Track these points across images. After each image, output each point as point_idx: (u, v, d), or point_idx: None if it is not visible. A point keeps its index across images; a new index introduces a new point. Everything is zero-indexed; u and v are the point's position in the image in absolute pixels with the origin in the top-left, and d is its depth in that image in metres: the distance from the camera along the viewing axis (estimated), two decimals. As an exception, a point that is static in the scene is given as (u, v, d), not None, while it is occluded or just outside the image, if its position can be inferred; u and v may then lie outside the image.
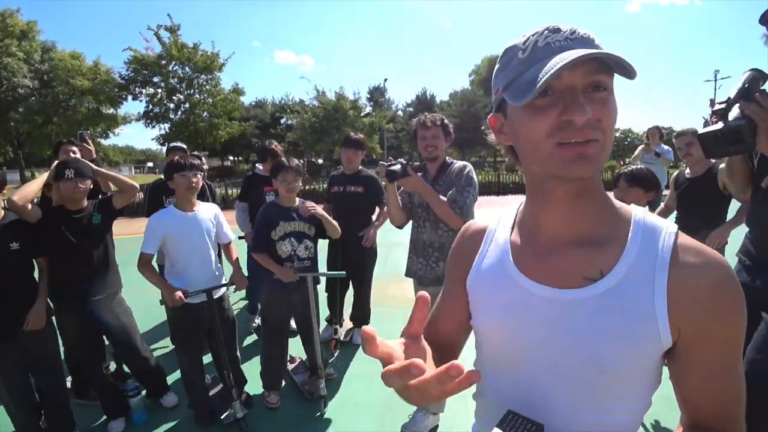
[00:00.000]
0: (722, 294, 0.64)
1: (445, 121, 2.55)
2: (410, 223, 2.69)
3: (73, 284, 2.58)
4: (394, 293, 5.39)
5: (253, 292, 4.14)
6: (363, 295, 4.03)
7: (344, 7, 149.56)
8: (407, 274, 2.74)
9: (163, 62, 22.48)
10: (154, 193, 3.58)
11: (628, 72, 0.62)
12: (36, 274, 2.57)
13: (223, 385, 2.84)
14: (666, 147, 6.86)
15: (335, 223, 2.91)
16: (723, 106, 1.53)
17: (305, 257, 2.86)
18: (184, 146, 3.91)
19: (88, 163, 2.73)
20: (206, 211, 2.75)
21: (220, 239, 2.79)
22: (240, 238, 3.92)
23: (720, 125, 1.50)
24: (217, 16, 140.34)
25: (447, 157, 2.57)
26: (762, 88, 1.49)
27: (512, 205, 0.87)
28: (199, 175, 2.64)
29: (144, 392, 3.00)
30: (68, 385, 3.11)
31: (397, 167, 2.24)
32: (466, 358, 0.74)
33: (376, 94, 43.87)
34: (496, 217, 0.88)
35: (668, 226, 0.70)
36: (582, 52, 0.59)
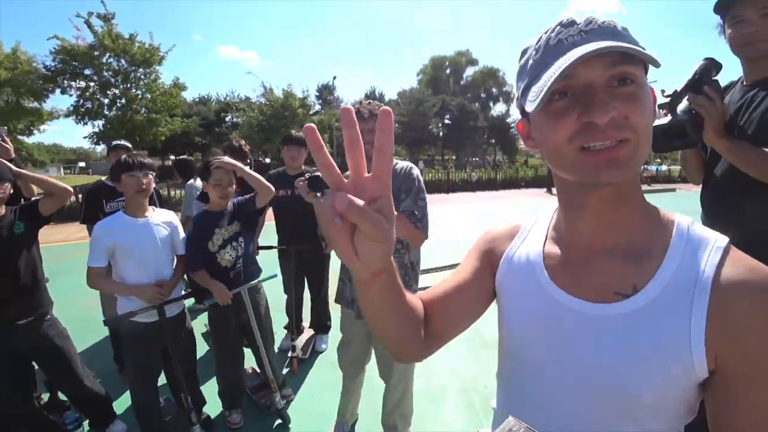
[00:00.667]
0: None
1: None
2: None
3: None
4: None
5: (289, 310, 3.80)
6: (320, 299, 3.91)
7: (291, 3, 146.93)
8: (337, 301, 2.33)
9: (96, 53, 20.88)
10: (92, 196, 3.22)
11: (653, 60, 0.57)
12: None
13: (180, 408, 2.61)
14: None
15: (258, 176, 2.62)
16: (668, 100, 1.48)
17: (241, 254, 2.62)
18: (129, 144, 3.56)
19: (6, 163, 2.35)
20: (160, 216, 2.47)
21: (176, 250, 2.52)
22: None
23: (666, 119, 1.45)
24: (154, 6, 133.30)
25: None
26: (714, 78, 1.46)
27: (548, 208, 0.81)
28: (150, 176, 2.36)
29: (86, 423, 2.69)
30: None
31: (320, 174, 1.94)
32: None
33: (325, 92, 43.41)
34: (532, 218, 0.84)
35: (717, 239, 0.62)
36: (592, 47, 0.54)
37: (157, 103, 22.37)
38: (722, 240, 0.62)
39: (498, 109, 58.22)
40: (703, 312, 0.57)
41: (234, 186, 2.59)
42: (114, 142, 3.58)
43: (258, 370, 3.06)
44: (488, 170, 25.10)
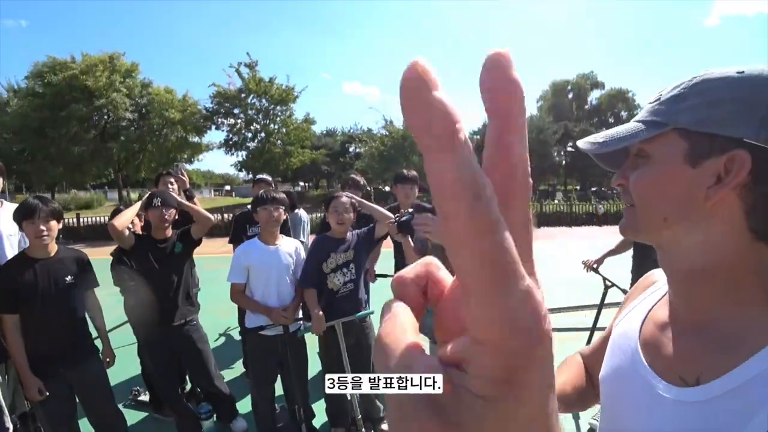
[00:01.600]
0: None
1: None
2: None
3: (154, 309, 2.71)
4: None
5: None
6: None
7: (410, 37, 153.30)
8: (423, 332, 2.47)
9: (243, 95, 24.30)
10: (238, 222, 3.80)
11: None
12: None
13: (292, 418, 2.90)
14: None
15: (375, 206, 2.88)
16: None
17: (348, 280, 2.79)
18: (269, 178, 4.07)
19: (171, 194, 2.92)
20: (287, 245, 2.83)
21: (298, 275, 2.83)
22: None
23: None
24: (290, 51, 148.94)
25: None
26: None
27: None
28: (281, 209, 2.72)
29: (215, 416, 3.14)
30: (146, 399, 3.36)
31: (409, 217, 2.11)
32: None
33: (442, 123, 43.92)
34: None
35: None
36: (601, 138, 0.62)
37: (291, 137, 25.10)
38: None
39: (630, 135, 53.46)
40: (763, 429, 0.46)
41: (352, 215, 2.77)
42: (258, 176, 4.14)
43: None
44: (616, 202, 22.63)
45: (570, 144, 49.08)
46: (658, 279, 0.76)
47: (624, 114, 53.21)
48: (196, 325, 2.93)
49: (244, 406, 3.27)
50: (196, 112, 25.75)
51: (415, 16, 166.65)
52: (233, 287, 2.73)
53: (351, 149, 41.88)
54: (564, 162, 50.52)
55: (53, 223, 2.32)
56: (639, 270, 3.11)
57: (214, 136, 56.75)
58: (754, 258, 0.54)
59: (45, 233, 2.27)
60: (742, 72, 0.53)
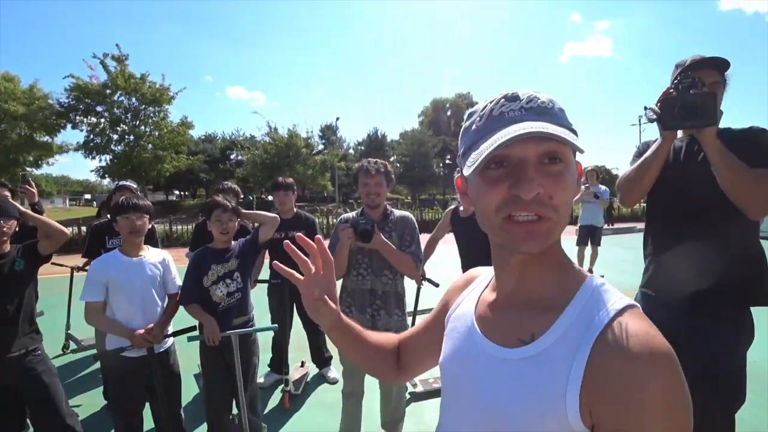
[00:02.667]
0: (644, 389, 0.54)
1: (389, 167, 2.58)
2: None
3: None
4: None
5: (279, 346, 3.78)
6: (319, 339, 3.98)
7: (296, 47, 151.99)
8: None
9: (108, 92, 21.73)
10: (95, 232, 3.35)
11: (578, 148, 0.63)
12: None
13: None
14: (603, 187, 7.38)
15: (260, 212, 2.93)
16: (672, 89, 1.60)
17: (234, 290, 2.68)
18: (133, 185, 3.69)
19: (13, 203, 2.49)
20: (153, 255, 2.58)
21: (168, 288, 2.61)
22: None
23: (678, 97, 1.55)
24: (168, 49, 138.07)
25: (386, 204, 2.61)
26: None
27: None
28: (145, 218, 2.48)
29: None
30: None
31: (369, 227, 2.32)
32: None
33: (328, 132, 44.39)
34: (490, 269, 0.87)
35: (616, 301, 0.63)
36: (527, 128, 0.59)
37: (164, 141, 22.99)
38: (621, 302, 0.63)
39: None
40: (581, 367, 0.58)
41: (235, 223, 2.68)
42: (120, 183, 3.72)
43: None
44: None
45: (448, 157, 52.87)
46: (480, 273, 0.91)
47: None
48: (40, 355, 2.48)
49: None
50: (46, 107, 22.30)
51: (305, 23, 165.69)
52: (88, 306, 2.38)
53: (232, 156, 40.09)
54: (442, 173, 54.10)
55: None
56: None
57: (71, 136, 50.04)
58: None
59: None
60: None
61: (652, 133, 1.69)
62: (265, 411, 3.40)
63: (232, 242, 2.75)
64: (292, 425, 3.26)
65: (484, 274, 0.89)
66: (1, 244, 2.37)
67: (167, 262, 2.64)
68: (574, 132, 0.64)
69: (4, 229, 2.33)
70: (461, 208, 3.57)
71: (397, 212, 2.61)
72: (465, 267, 3.45)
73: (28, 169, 22.07)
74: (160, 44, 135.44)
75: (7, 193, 3.13)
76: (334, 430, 2.85)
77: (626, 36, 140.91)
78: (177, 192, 48.67)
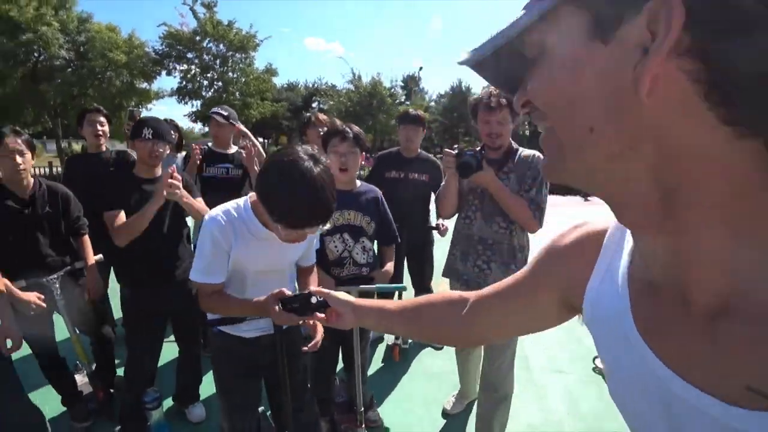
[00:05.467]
0: None
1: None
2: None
3: (145, 265, 2.28)
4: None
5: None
6: (425, 290, 3.64)
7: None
8: (445, 274, 2.40)
9: (198, 38, 22.09)
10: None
11: None
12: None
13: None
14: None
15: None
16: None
17: (363, 263, 2.21)
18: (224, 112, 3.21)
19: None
20: None
21: None
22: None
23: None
24: (246, 2, 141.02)
25: (512, 142, 2.19)
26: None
27: None
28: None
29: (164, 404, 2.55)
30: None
31: (472, 161, 1.98)
32: None
33: (411, 83, 42.89)
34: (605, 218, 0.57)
35: None
36: None
37: (251, 87, 23.27)
38: None
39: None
40: None
41: (358, 159, 2.19)
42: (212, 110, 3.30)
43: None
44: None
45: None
46: (600, 226, 0.59)
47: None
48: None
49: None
50: (143, 55, 23.13)
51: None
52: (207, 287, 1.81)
53: (314, 104, 40.18)
54: (528, 131, 50.85)
55: None
56: None
57: (165, 82, 53.28)
58: (750, 168, 0.33)
59: None
60: None
61: None
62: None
63: (361, 185, 2.29)
64: (398, 394, 2.99)
65: (615, 234, 0.55)
66: (153, 167, 2.32)
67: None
68: None
69: (157, 153, 2.27)
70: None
71: (526, 151, 2.16)
72: None
73: (135, 109, 23.35)
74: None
75: (102, 119, 3.23)
76: (442, 400, 2.82)
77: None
78: (261, 139, 50.48)
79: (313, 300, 1.16)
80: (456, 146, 2.11)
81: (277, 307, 1.30)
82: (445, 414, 2.73)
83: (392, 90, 27.52)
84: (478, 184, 2.12)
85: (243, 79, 23.23)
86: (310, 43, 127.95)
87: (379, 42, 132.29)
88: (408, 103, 29.95)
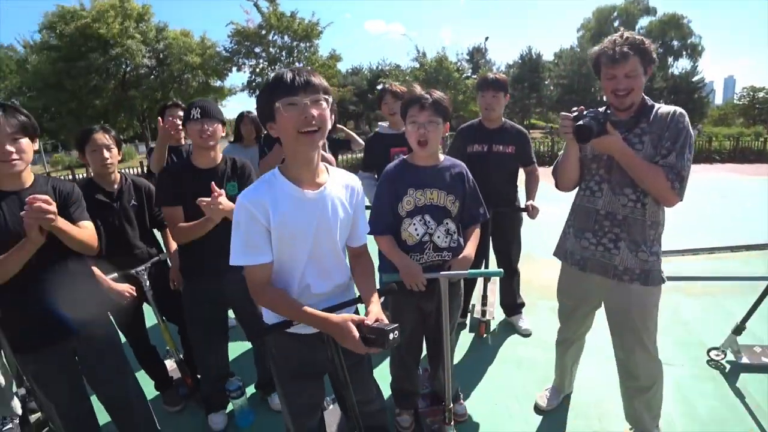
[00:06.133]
0: None
1: (646, 43, 1.74)
2: None
3: (201, 255, 2.16)
4: (539, 280, 4.24)
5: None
6: (513, 281, 3.38)
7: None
8: (557, 254, 2.18)
9: (263, 32, 22.73)
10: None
11: None
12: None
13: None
14: None
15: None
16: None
17: (445, 246, 1.95)
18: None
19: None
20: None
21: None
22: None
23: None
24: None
25: (646, 98, 1.82)
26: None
27: None
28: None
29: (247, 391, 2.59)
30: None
31: (592, 124, 1.66)
32: None
33: (477, 56, 41.22)
34: None
35: None
36: None
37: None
38: None
39: (680, 65, 48.19)
40: None
41: (440, 130, 1.92)
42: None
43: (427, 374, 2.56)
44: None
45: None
46: None
47: (676, 43, 48.25)
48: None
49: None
50: (215, 55, 24.44)
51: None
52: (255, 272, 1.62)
53: (379, 87, 39.98)
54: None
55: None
56: None
57: (236, 78, 55.82)
58: None
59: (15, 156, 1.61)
60: None
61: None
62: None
63: (445, 159, 2.02)
64: (486, 385, 2.75)
65: None
66: (207, 150, 2.17)
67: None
68: None
69: (208, 132, 2.11)
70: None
71: (665, 108, 1.79)
72: None
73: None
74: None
75: (181, 113, 3.00)
76: (534, 392, 2.59)
77: None
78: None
79: (391, 337, 1.21)
80: (575, 108, 1.79)
81: (356, 335, 1.28)
82: (538, 410, 2.46)
83: (458, 64, 26.58)
84: (601, 151, 1.83)
85: (309, 68, 23.71)
86: (370, 26, 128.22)
87: (440, 18, 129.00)
88: (475, 76, 28.86)
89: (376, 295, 1.51)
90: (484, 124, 3.02)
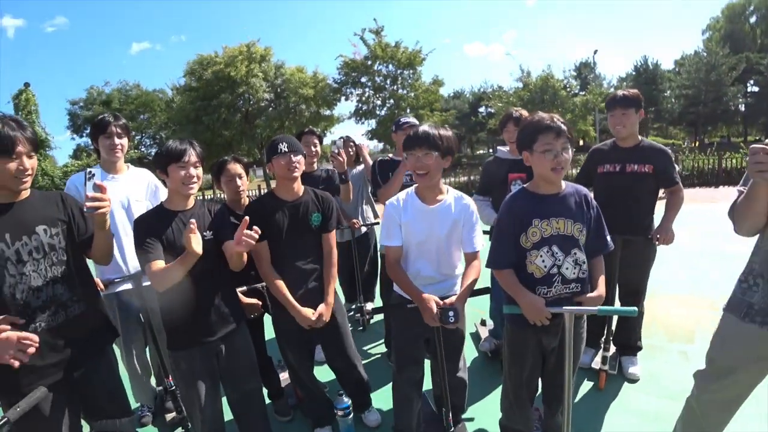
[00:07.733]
0: None
1: None
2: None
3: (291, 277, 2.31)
4: (668, 320, 3.89)
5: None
6: (635, 320, 3.03)
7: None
8: (731, 309, 1.75)
9: (369, 62, 24.03)
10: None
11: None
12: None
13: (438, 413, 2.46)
14: None
15: None
16: None
17: (573, 278, 1.87)
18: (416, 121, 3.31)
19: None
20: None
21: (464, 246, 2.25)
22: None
23: None
24: (412, 19, 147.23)
25: None
26: None
27: None
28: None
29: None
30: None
31: None
32: None
33: (585, 70, 39.19)
34: None
35: None
36: None
37: (420, 101, 24.31)
38: None
39: None
40: None
41: (569, 155, 1.88)
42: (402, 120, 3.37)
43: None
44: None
45: (751, 81, 39.70)
46: None
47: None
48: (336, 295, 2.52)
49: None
50: (326, 86, 26.33)
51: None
52: (390, 252, 2.17)
53: (481, 109, 39.77)
54: (742, 106, 41.26)
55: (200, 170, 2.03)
56: None
57: (344, 107, 59.28)
58: None
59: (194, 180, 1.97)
60: None
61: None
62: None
63: (568, 186, 1.94)
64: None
65: None
66: (292, 182, 2.28)
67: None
68: None
69: (295, 164, 2.23)
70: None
71: None
72: None
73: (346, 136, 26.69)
74: (405, 14, 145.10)
75: (316, 142, 3.52)
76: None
77: None
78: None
79: (451, 316, 1.85)
80: None
81: (435, 309, 1.90)
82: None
83: (565, 81, 25.53)
84: None
85: (412, 94, 24.42)
86: (469, 49, 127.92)
87: (542, 36, 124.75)
88: (583, 93, 27.46)
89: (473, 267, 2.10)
90: (617, 143, 2.92)
